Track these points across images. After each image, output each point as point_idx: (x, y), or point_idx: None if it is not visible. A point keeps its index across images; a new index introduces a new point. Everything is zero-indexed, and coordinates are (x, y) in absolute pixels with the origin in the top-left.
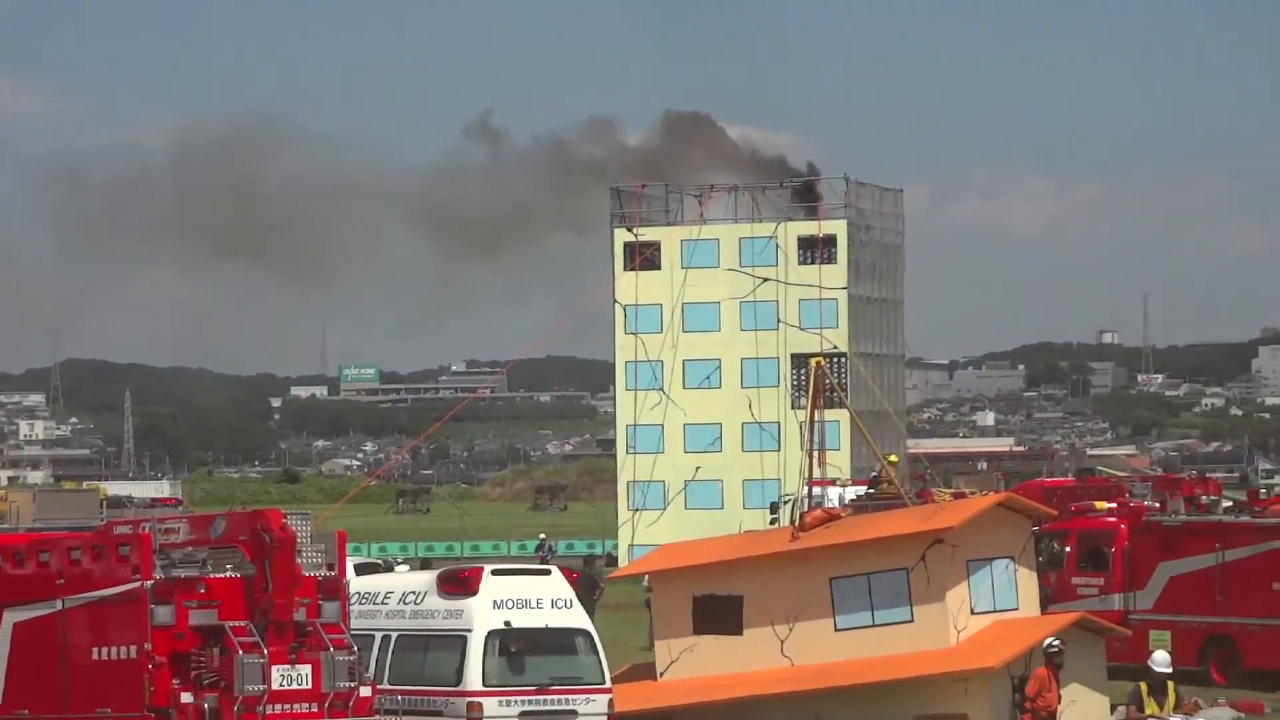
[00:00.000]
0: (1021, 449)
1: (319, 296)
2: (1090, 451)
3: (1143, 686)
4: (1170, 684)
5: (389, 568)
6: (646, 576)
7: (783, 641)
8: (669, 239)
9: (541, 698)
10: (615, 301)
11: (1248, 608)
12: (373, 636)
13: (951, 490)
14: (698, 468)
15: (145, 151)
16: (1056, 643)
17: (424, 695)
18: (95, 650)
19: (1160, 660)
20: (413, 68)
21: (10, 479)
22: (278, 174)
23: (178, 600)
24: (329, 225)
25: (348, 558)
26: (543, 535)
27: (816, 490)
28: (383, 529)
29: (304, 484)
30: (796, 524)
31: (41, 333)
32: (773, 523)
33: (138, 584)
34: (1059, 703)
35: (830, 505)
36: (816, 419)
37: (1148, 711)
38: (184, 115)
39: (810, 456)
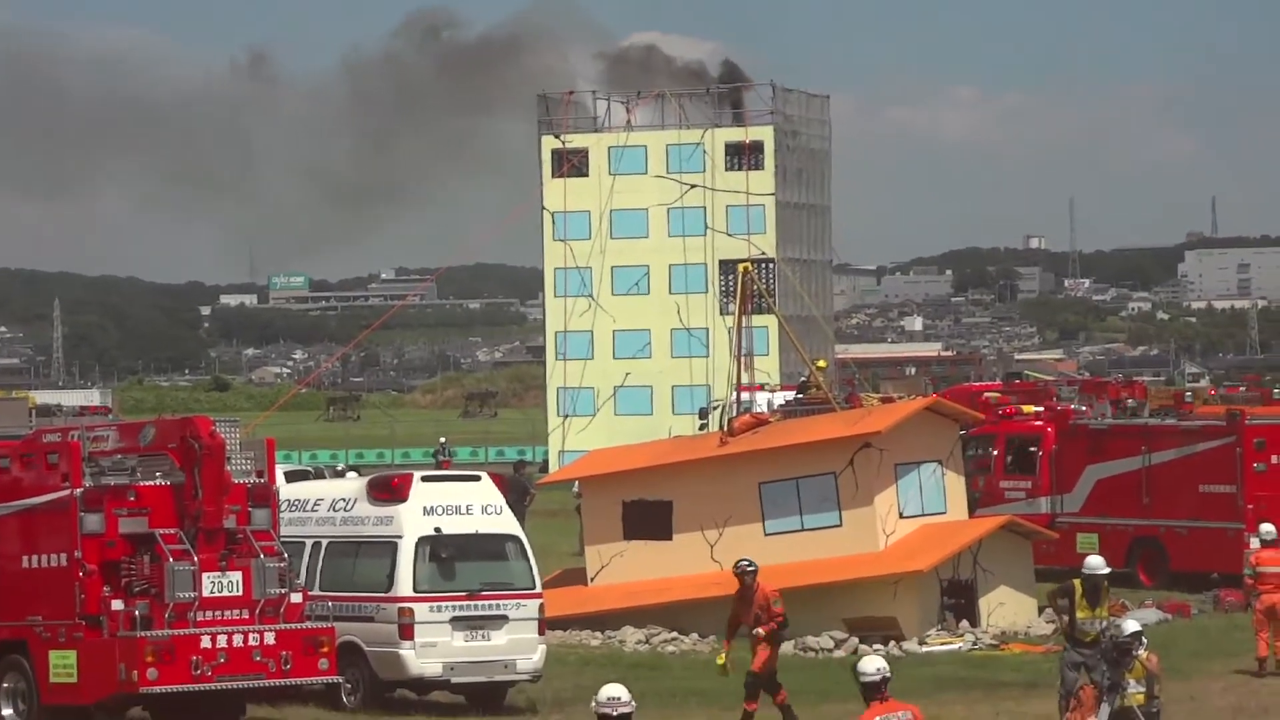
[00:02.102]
0: (949, 354)
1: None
2: (1018, 356)
3: (1077, 585)
4: (1104, 587)
5: (319, 475)
6: (576, 482)
7: (712, 546)
8: (596, 146)
9: (472, 603)
10: (543, 209)
11: (1174, 510)
12: (303, 543)
13: (879, 395)
14: (627, 374)
15: None
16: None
17: (355, 601)
18: (25, 558)
19: (1094, 564)
20: None
21: None
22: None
23: (107, 508)
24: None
25: (277, 465)
26: (442, 439)
27: (745, 395)
28: (313, 436)
29: (234, 392)
30: (725, 429)
31: None
32: (702, 428)
33: (67, 492)
34: (748, 620)
35: (759, 410)
36: (745, 325)
37: (1079, 615)
38: None
39: (738, 362)
